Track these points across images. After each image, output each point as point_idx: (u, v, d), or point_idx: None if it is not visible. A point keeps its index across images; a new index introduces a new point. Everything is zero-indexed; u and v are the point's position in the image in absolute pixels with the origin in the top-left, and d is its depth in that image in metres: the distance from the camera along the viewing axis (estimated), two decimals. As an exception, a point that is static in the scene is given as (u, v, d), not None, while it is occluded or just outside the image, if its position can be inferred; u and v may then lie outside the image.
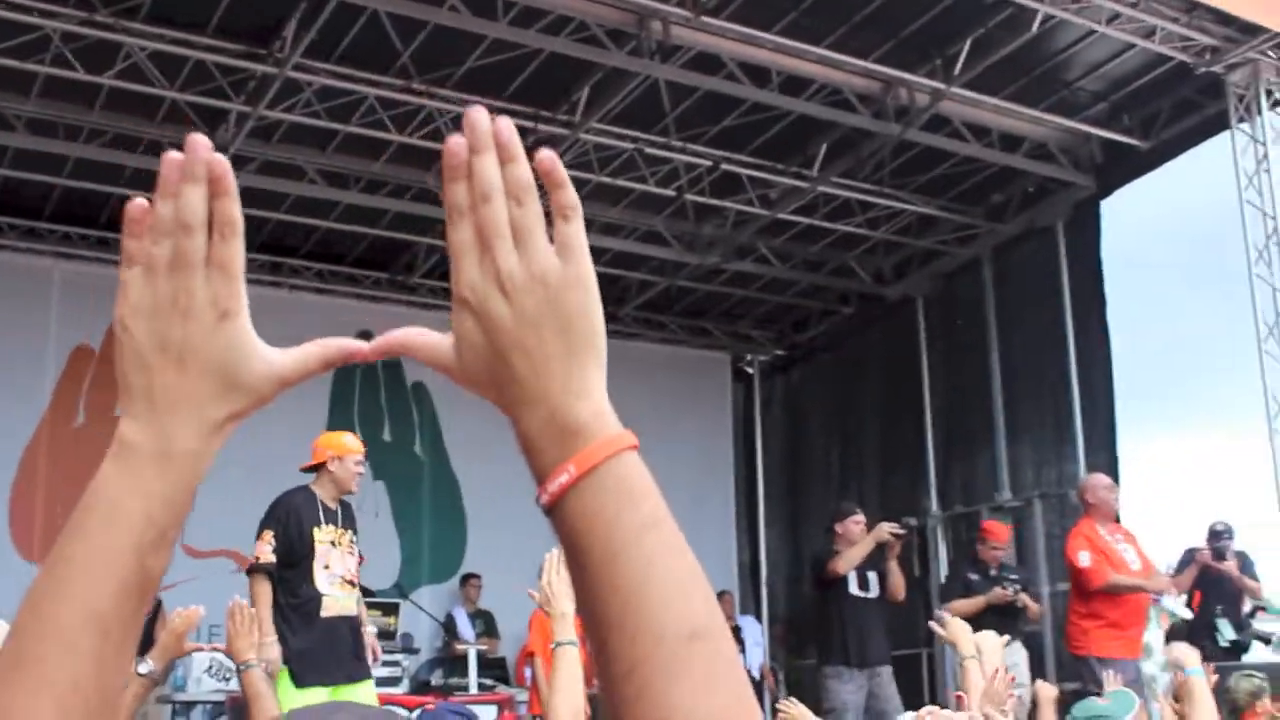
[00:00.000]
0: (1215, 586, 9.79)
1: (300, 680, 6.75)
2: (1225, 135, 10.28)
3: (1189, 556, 10.08)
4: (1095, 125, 10.85)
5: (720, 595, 10.67)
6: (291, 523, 7.05)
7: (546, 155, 0.97)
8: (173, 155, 0.95)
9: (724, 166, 11.12)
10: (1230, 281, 11.28)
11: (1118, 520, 9.21)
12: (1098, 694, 5.78)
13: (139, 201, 0.96)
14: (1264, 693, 6.82)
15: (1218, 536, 9.96)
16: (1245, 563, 10.17)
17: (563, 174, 0.98)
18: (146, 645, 4.35)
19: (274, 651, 6.65)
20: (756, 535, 15.13)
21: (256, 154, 10.64)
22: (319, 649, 6.90)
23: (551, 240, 0.96)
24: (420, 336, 0.99)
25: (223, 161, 0.96)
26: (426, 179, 11.03)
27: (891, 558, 9.38)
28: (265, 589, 6.90)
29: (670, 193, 11.46)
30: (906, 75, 10.00)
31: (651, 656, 0.89)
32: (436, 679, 10.27)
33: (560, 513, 0.93)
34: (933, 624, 5.69)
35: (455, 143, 0.95)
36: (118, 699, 0.95)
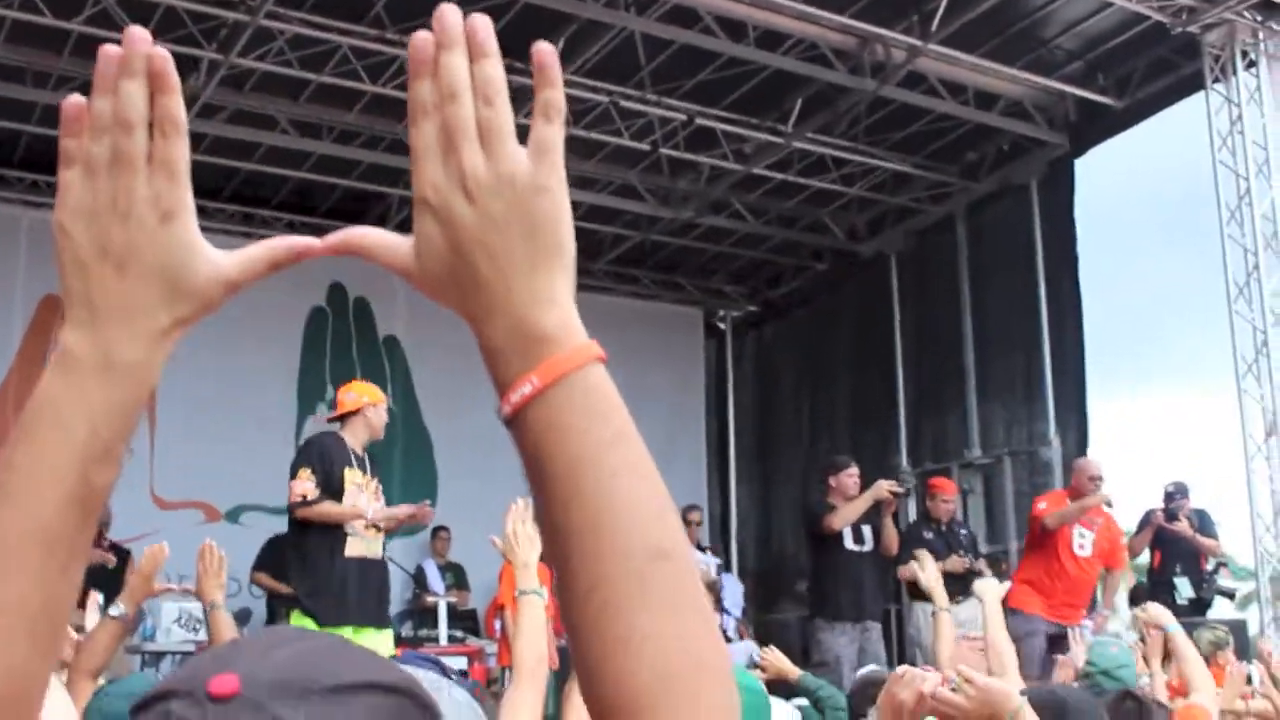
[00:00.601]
0: (1173, 546, 9.89)
1: (322, 619, 6.75)
2: (1200, 95, 10.30)
3: (1147, 518, 10.19)
4: (1070, 84, 10.85)
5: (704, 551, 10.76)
6: (326, 462, 7.07)
7: (546, 49, 0.93)
8: (110, 49, 0.90)
9: (699, 121, 11.07)
10: (1202, 241, 11.34)
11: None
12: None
13: (75, 98, 0.91)
14: (1226, 644, 6.95)
15: (1171, 498, 10.07)
16: (1204, 521, 10.26)
17: (557, 73, 0.93)
18: (118, 592, 4.35)
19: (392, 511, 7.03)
20: (727, 491, 15.18)
21: (228, 103, 10.55)
22: (339, 588, 6.91)
23: (526, 142, 0.92)
24: (377, 236, 0.96)
25: (164, 55, 0.91)
26: (400, 130, 10.95)
27: (886, 514, 9.46)
28: (326, 505, 6.91)
29: (645, 147, 11.41)
30: (883, 31, 9.96)
31: (615, 575, 0.87)
32: (406, 631, 10.28)
33: (522, 425, 0.91)
34: (904, 572, 5.75)
35: (421, 38, 0.91)
36: (60, 629, 0.93)
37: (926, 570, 5.54)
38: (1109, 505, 9.30)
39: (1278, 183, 10.01)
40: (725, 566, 11.84)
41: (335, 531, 6.94)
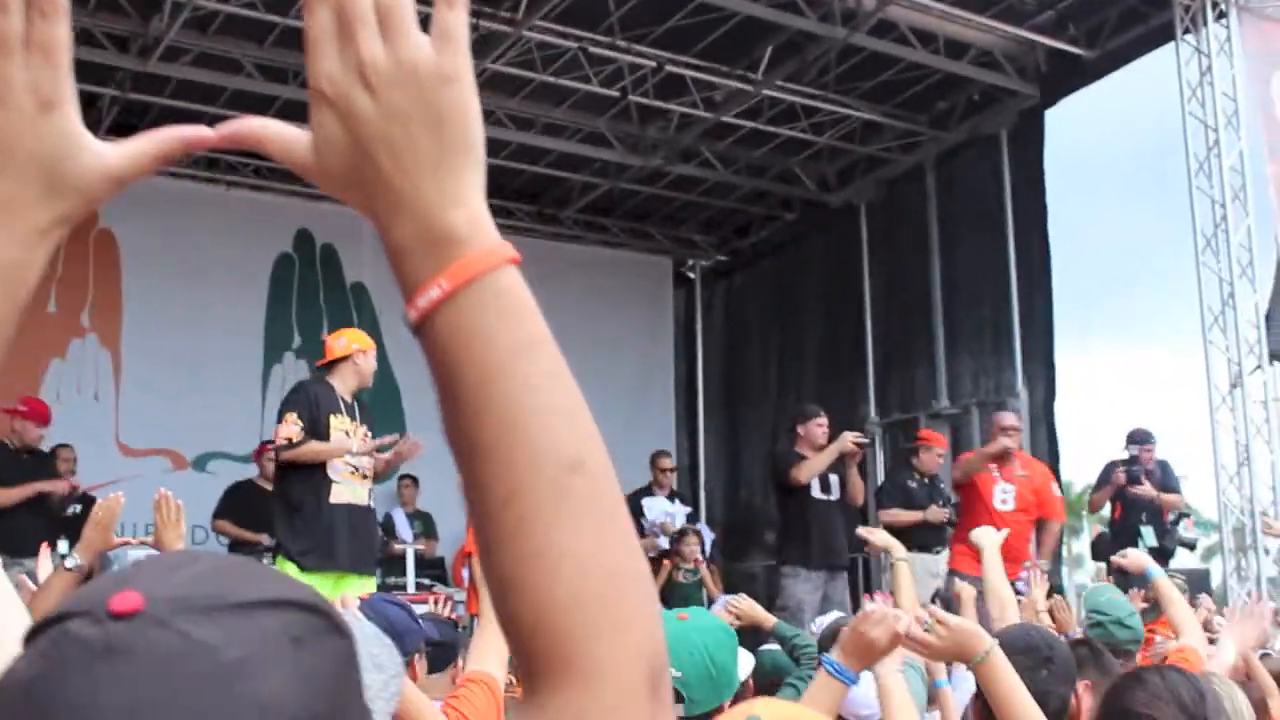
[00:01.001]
0: (1136, 496, 9.96)
1: (304, 564, 6.75)
2: (1170, 46, 10.28)
3: (1108, 473, 10.26)
4: (1041, 34, 10.80)
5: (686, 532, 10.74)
6: (313, 407, 7.04)
7: None
8: None
9: (668, 68, 10.99)
10: (1171, 193, 11.36)
11: (1008, 459, 9.33)
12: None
13: None
14: (1184, 592, 7.02)
15: (1135, 442, 10.14)
16: (1166, 472, 10.35)
17: None
18: (76, 541, 4.31)
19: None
20: (695, 440, 15.22)
21: (192, 46, 10.40)
22: (325, 536, 6.90)
23: (428, 30, 0.87)
24: (276, 128, 0.90)
25: None
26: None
27: (852, 465, 9.58)
28: (310, 444, 6.89)
29: (614, 94, 11.32)
30: (854, -22, 9.90)
31: (530, 485, 0.84)
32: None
33: (430, 331, 0.86)
34: (862, 533, 5.79)
35: None
36: None
37: (875, 537, 5.59)
38: (1005, 455, 9.32)
39: (1247, 134, 10.03)
40: (694, 516, 11.85)
41: (320, 479, 6.93)
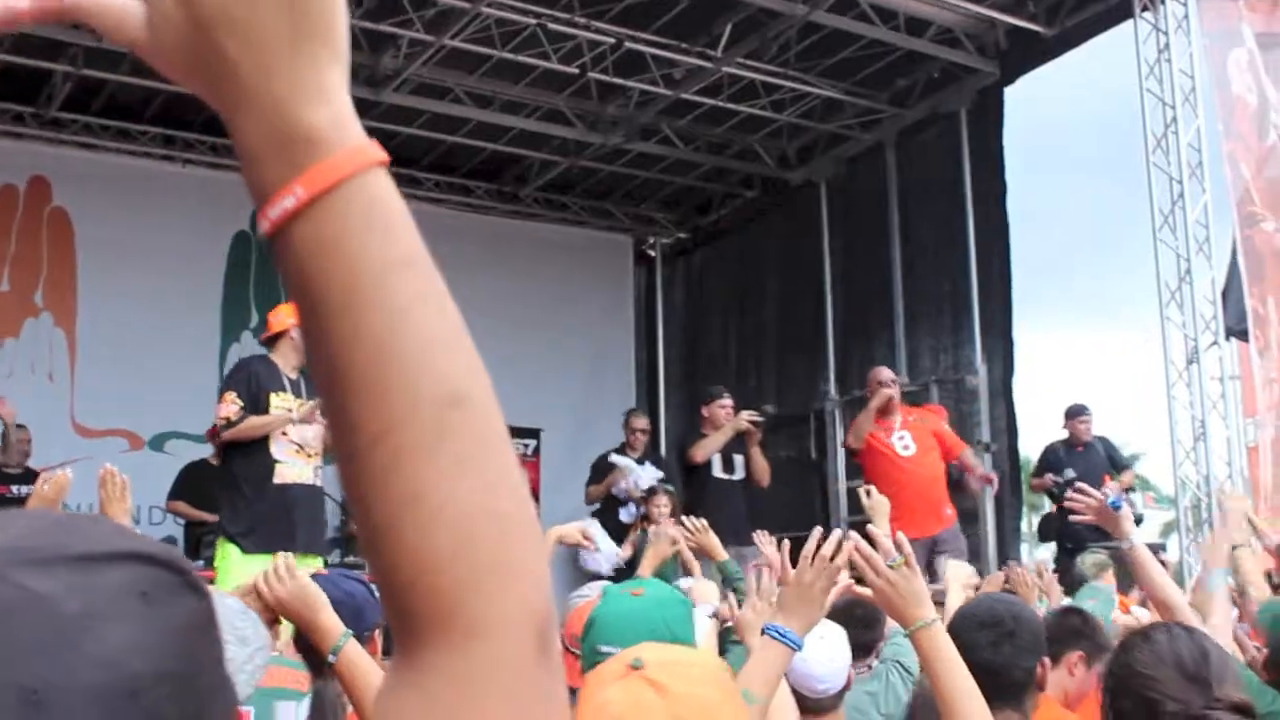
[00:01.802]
0: (1079, 468, 10.06)
1: (246, 547, 6.68)
2: (1128, 24, 10.31)
3: (1046, 456, 10.43)
4: (1001, 11, 10.81)
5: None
6: (252, 384, 6.95)
7: None
8: None
9: (628, 45, 10.93)
10: (1129, 170, 11.41)
11: (893, 411, 9.63)
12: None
13: None
14: (1108, 566, 7.16)
15: (1069, 417, 10.29)
16: (1109, 447, 10.47)
17: None
18: None
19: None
20: (656, 418, 15.19)
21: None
22: (269, 516, 6.82)
23: None
24: (105, 1, 0.78)
25: None
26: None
27: (752, 444, 9.74)
28: (249, 420, 6.81)
29: (573, 71, 11.26)
30: (814, -45, 9.88)
31: (406, 421, 0.74)
32: (334, 559, 10.23)
33: (285, 245, 0.75)
34: (861, 493, 5.77)
35: None
36: None
37: (873, 498, 5.60)
38: (889, 406, 9.64)
39: (1204, 112, 10.08)
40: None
41: (264, 459, 6.85)
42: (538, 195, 14.26)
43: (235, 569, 6.36)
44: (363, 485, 0.76)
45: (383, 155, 0.78)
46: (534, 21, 10.48)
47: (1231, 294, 10.03)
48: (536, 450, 13.84)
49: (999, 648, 3.15)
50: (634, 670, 2.02)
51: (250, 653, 2.49)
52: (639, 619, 2.68)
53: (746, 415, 9.63)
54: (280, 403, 6.96)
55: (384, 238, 0.76)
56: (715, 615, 4.39)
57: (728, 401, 9.91)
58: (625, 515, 9.81)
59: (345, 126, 0.77)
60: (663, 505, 9.37)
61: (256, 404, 6.89)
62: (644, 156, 13.57)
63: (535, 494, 13.53)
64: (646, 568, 5.75)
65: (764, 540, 5.70)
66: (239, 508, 6.86)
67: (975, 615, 3.27)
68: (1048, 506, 10.33)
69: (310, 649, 3.45)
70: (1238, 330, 10.11)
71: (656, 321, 15.52)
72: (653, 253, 15.78)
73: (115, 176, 11.30)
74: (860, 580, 2.88)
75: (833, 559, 2.78)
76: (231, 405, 6.85)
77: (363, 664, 2.98)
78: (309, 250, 0.75)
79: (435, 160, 13.48)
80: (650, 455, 10.81)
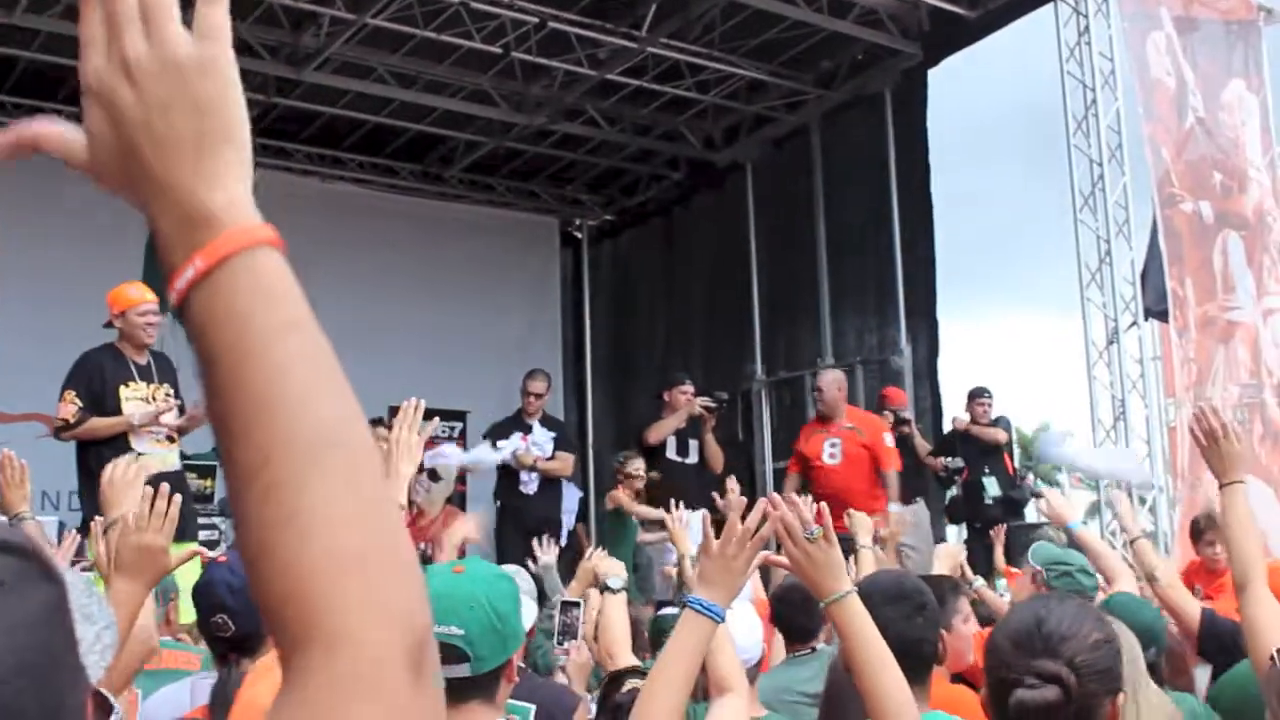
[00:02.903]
0: (974, 450, 10.22)
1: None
2: (1049, 7, 10.41)
3: (950, 434, 10.58)
4: (924, -8, 10.86)
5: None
6: (95, 381, 6.76)
7: None
8: None
9: (551, 24, 10.85)
10: (1050, 153, 11.52)
11: (827, 420, 9.73)
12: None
13: None
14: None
15: (970, 398, 10.45)
16: (1009, 428, 10.64)
17: None
18: None
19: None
20: (584, 401, 15.18)
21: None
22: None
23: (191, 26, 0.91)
24: (54, 129, 0.93)
25: None
26: (242, 30, 10.59)
27: (706, 430, 9.82)
28: (90, 423, 6.62)
29: (496, 50, 11.18)
30: (740, -65, 9.85)
31: (281, 458, 0.83)
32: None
33: (188, 310, 0.87)
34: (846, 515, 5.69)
35: None
36: None
37: (853, 520, 5.59)
38: (714, 408, 10.01)
39: (1124, 94, 10.20)
40: (583, 480, 11.80)
41: (116, 449, 6.62)
42: (463, 176, 14.16)
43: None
44: (245, 510, 0.84)
45: (273, 235, 0.90)
46: (456, 1, 10.38)
47: (1151, 275, 10.17)
48: (463, 433, 13.77)
49: (912, 620, 3.16)
50: None
51: (98, 631, 2.46)
52: (461, 598, 2.58)
53: (700, 401, 9.75)
54: (131, 394, 6.78)
55: (268, 304, 0.87)
56: (609, 588, 4.39)
57: (688, 387, 10.07)
58: (526, 484, 9.79)
59: (239, 208, 0.89)
60: (637, 468, 9.29)
61: (101, 402, 6.69)
62: (570, 138, 13.52)
63: (462, 475, 13.47)
64: (575, 589, 5.64)
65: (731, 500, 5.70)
66: (98, 504, 6.68)
67: (884, 589, 3.26)
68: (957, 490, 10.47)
69: (213, 638, 3.40)
70: (1157, 311, 10.25)
71: (583, 303, 15.49)
72: (579, 234, 15.74)
73: (22, 160, 11.06)
74: (779, 550, 2.86)
75: (755, 532, 2.76)
76: (70, 406, 6.68)
77: None
78: (205, 314, 0.86)
79: (359, 140, 13.35)
80: (546, 420, 10.50)
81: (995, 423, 10.52)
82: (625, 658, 3.76)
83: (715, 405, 10.13)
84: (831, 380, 9.86)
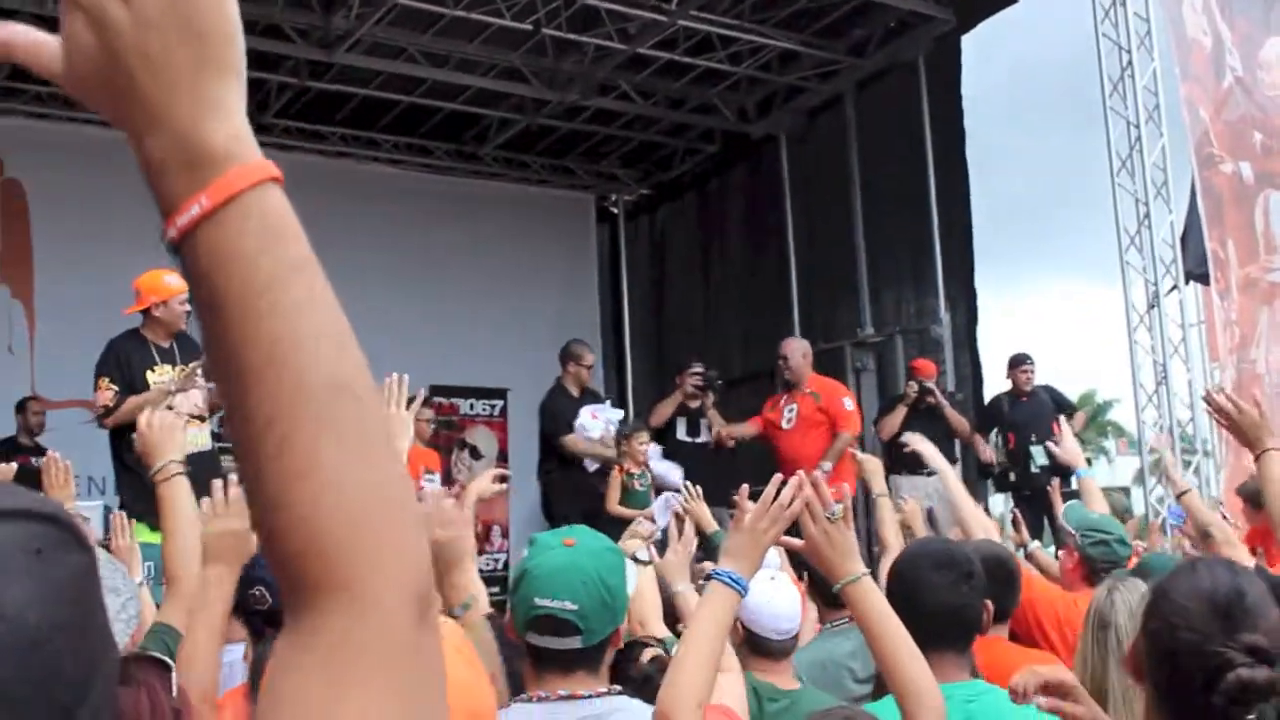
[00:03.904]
0: (1025, 417, 10.13)
1: (154, 524, 6.57)
2: (1084, -32, 10.31)
3: (991, 405, 10.51)
4: (956, -42, 10.78)
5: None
6: (124, 367, 6.85)
7: None
8: None
9: (580, 0, 10.84)
10: (1086, 116, 11.43)
11: (792, 387, 9.91)
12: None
13: None
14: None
15: (1012, 366, 10.39)
16: (1054, 394, 10.60)
17: None
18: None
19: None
20: (624, 377, 15.20)
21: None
22: None
23: None
24: (21, 32, 0.88)
25: None
26: (274, 13, 10.64)
27: (708, 407, 9.93)
28: (130, 400, 6.70)
29: (527, 27, 11.17)
30: (769, -95, 9.80)
31: (295, 407, 0.82)
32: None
33: (191, 251, 0.84)
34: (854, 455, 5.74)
35: None
36: None
37: (863, 465, 5.62)
38: (702, 386, 10.24)
39: (1160, 55, 10.10)
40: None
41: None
42: (497, 154, 14.17)
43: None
44: (257, 463, 0.83)
45: (276, 171, 0.86)
46: (488, -22, 10.38)
47: (1191, 237, 10.09)
48: (503, 410, 13.83)
49: (958, 588, 3.17)
50: None
51: (122, 603, 2.54)
52: (575, 572, 2.64)
53: (691, 381, 9.93)
54: (157, 378, 6.86)
55: (277, 244, 0.84)
56: (639, 560, 4.39)
57: (697, 368, 10.32)
58: (588, 461, 9.69)
59: (244, 143, 0.85)
60: (643, 443, 9.12)
61: (133, 387, 6.79)
62: (603, 113, 13.50)
63: (504, 453, 13.53)
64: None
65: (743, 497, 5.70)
66: (136, 486, 6.74)
67: (930, 556, 3.27)
68: (998, 453, 10.42)
69: (251, 611, 3.45)
70: (1198, 274, 10.17)
71: (621, 279, 15.50)
72: (615, 210, 15.73)
73: (68, 145, 11.12)
74: (788, 531, 2.87)
75: (788, 507, 2.78)
76: (107, 392, 6.77)
77: (481, 627, 2.96)
78: (211, 255, 0.83)
79: (393, 121, 13.37)
80: (590, 392, 10.50)
81: (1047, 394, 10.46)
82: (657, 628, 3.79)
83: (704, 383, 10.28)
84: (796, 348, 10.01)
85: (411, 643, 0.83)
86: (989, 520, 5.09)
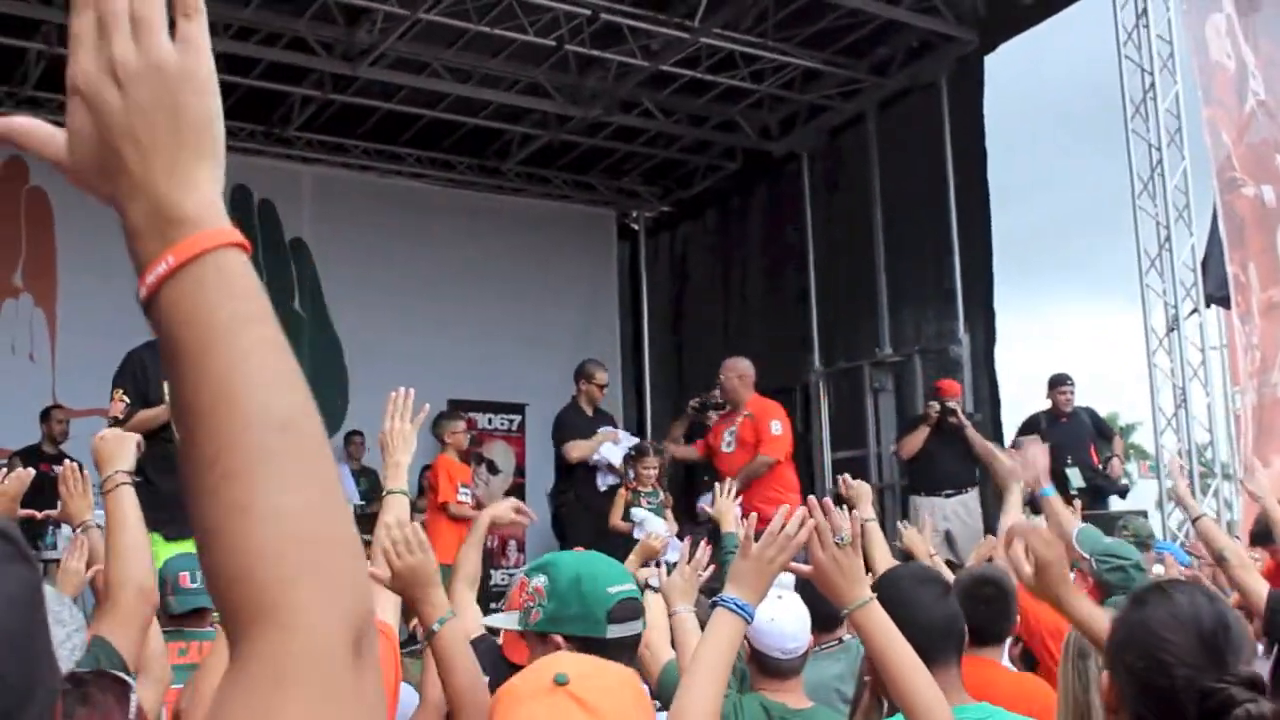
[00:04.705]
0: (1063, 437, 10.05)
1: (167, 534, 6.58)
2: (1107, -10, 10.31)
3: (1029, 424, 10.44)
4: (980, -21, 10.79)
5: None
6: (140, 378, 6.87)
7: None
8: None
9: (604, 16, 10.88)
10: (1108, 138, 11.42)
11: (734, 408, 9.77)
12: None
13: None
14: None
15: (1051, 386, 10.33)
16: (1094, 417, 10.51)
17: None
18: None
19: None
20: (643, 393, 15.21)
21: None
22: (177, 502, 6.70)
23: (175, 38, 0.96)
24: (35, 126, 0.98)
25: None
26: (298, 26, 10.71)
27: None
28: (137, 416, 6.73)
29: (550, 43, 11.21)
30: (792, -76, 9.82)
31: (237, 443, 0.87)
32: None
33: (157, 305, 0.91)
34: (842, 480, 5.69)
35: None
36: None
37: (852, 489, 5.57)
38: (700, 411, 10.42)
39: (1182, 77, 10.09)
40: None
41: (160, 446, 6.69)
42: (520, 170, 14.22)
43: (162, 557, 6.28)
44: (198, 497, 0.88)
45: (240, 239, 0.93)
46: (510, -6, 10.42)
47: (1212, 261, 10.06)
48: (521, 425, 13.85)
49: (944, 601, 3.23)
50: (559, 686, 2.02)
51: (68, 633, 2.55)
52: (611, 563, 2.92)
53: (692, 403, 10.53)
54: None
55: (234, 300, 0.91)
56: (651, 587, 4.39)
57: (696, 400, 10.61)
58: (601, 482, 9.69)
59: (211, 210, 0.94)
60: (650, 467, 9.10)
61: (148, 398, 6.80)
62: (625, 129, 13.54)
63: (521, 468, 13.56)
64: (634, 563, 5.74)
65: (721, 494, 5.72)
66: (145, 498, 6.74)
67: (910, 573, 3.37)
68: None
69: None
70: (1219, 297, 10.13)
71: (641, 295, 15.51)
72: (636, 226, 15.76)
73: (93, 156, 11.21)
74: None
75: (795, 536, 2.80)
76: (119, 404, 6.79)
77: (460, 643, 2.98)
78: (174, 308, 0.90)
79: (416, 135, 13.43)
80: (601, 413, 10.55)
81: (1089, 416, 10.42)
82: (665, 653, 3.82)
83: (701, 406, 10.49)
84: (732, 369, 9.82)
85: (344, 672, 0.85)
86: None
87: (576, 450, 9.71)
